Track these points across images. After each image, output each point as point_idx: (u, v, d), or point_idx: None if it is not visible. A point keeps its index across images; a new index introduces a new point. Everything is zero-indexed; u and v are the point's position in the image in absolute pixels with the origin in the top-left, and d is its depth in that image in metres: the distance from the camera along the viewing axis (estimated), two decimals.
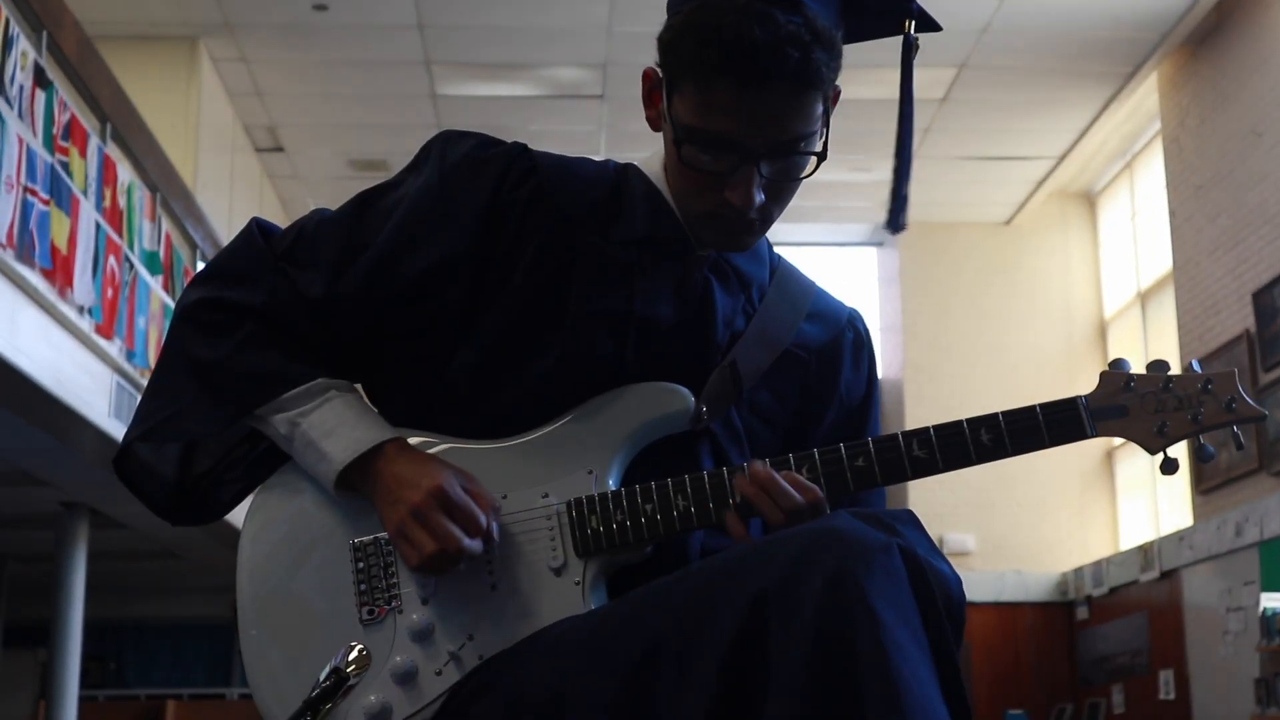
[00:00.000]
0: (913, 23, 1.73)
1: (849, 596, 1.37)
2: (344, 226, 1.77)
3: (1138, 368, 1.68)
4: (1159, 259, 11.43)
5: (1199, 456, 1.67)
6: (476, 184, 1.74)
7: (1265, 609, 8.55)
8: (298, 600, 1.71)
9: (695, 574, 1.51)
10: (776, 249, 1.88)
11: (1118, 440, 1.70)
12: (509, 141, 1.79)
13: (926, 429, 1.66)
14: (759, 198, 1.64)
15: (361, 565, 1.69)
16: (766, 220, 1.70)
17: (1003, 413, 1.66)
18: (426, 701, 1.63)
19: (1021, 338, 12.84)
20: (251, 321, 1.73)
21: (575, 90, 10.61)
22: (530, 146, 1.79)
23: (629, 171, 1.79)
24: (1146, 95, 10.91)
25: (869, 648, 1.34)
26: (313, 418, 1.70)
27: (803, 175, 1.67)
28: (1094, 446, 12.21)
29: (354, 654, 1.63)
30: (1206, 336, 9.75)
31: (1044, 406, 1.65)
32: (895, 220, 1.74)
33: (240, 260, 1.78)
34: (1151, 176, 11.61)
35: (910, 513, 1.53)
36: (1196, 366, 1.68)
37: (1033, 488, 12.42)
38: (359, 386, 1.81)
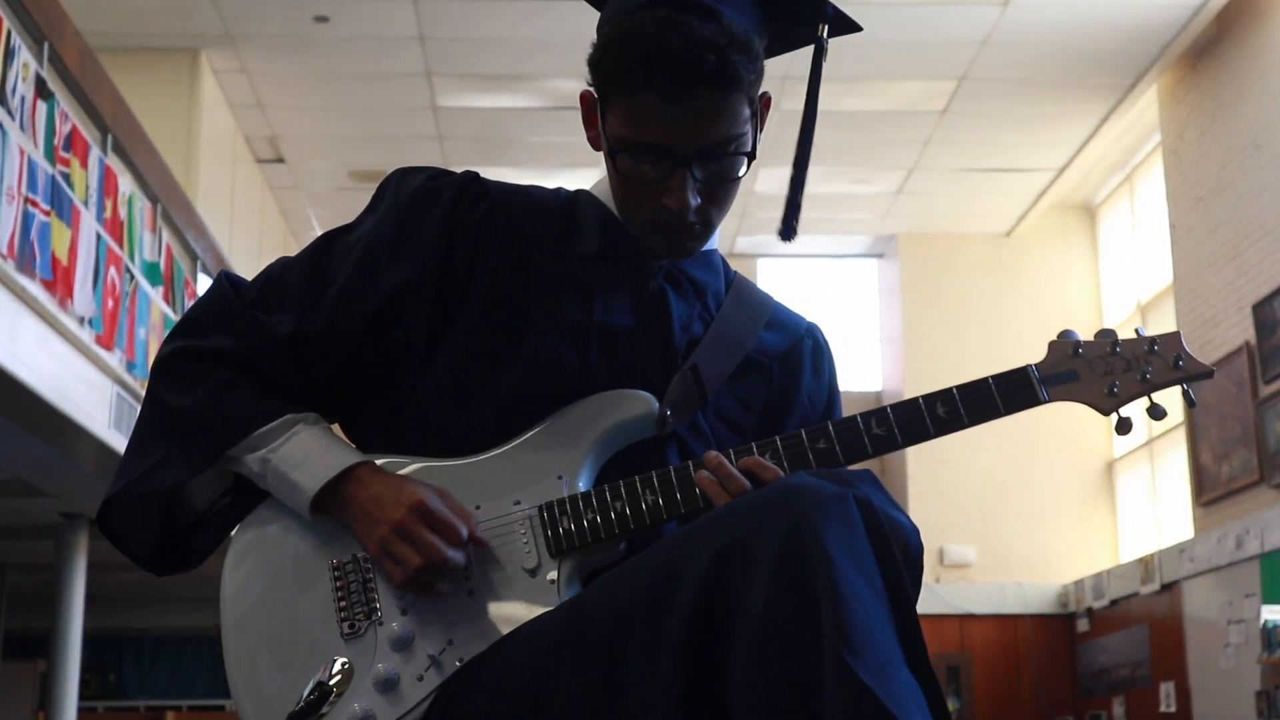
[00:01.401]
0: (827, 26, 1.78)
1: (806, 543, 1.42)
2: (308, 267, 1.83)
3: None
4: (1159, 271, 11.44)
5: (1151, 414, 1.72)
6: (430, 213, 1.80)
7: (1266, 621, 8.55)
8: (280, 622, 1.74)
9: (658, 546, 1.57)
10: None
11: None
12: (460, 171, 1.85)
13: (884, 408, 1.71)
14: (694, 200, 1.70)
15: (340, 583, 1.72)
16: (707, 224, 1.76)
17: (956, 386, 1.72)
18: (409, 707, 1.66)
19: (1021, 349, 12.76)
20: (223, 367, 1.78)
21: (575, 102, 10.58)
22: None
23: (579, 196, 1.86)
24: (1146, 107, 10.93)
25: (826, 590, 1.40)
26: (282, 452, 1.74)
27: (735, 176, 1.72)
28: (1094, 459, 12.21)
29: (337, 668, 1.67)
30: (1207, 348, 9.76)
31: (995, 377, 1.73)
32: (788, 227, 1.80)
33: (210, 311, 1.83)
34: (1151, 188, 11.62)
35: (869, 472, 1.59)
36: (1142, 331, 1.74)
37: (1033, 500, 12.41)
38: (335, 422, 1.85)
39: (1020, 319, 12.94)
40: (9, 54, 5.24)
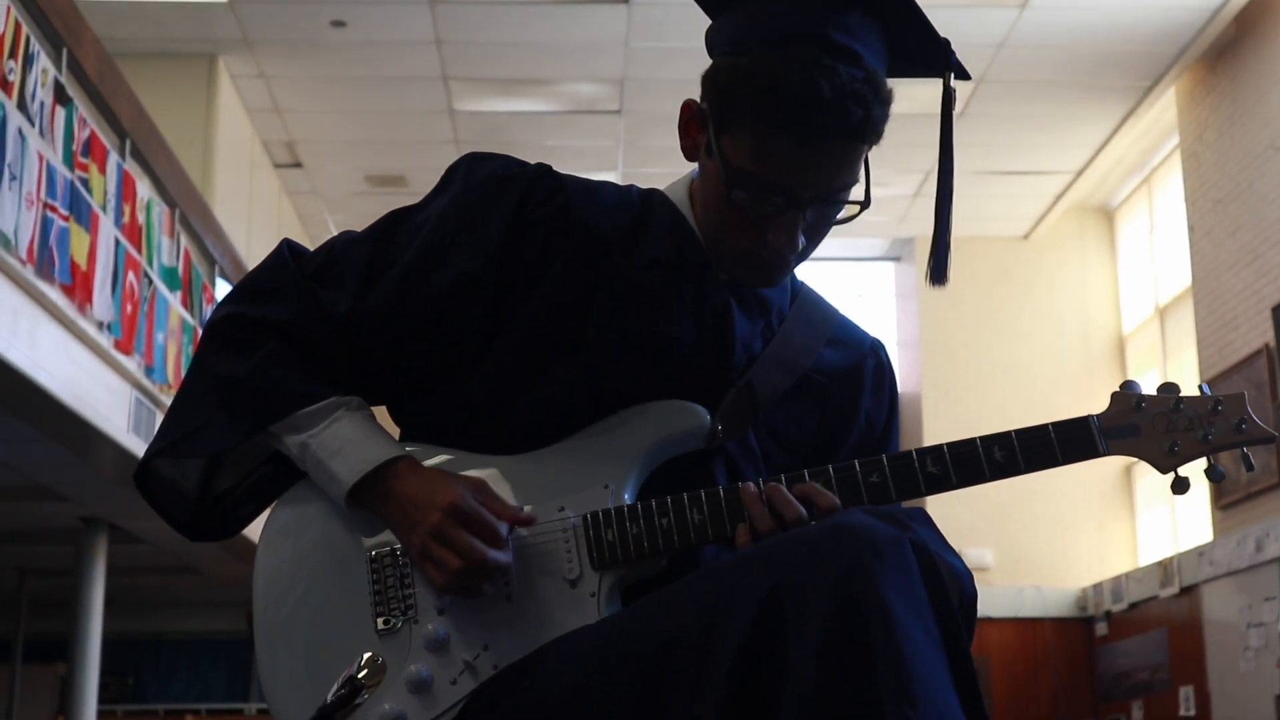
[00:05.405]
0: (951, 73, 1.78)
1: (862, 589, 1.40)
2: (370, 245, 1.80)
3: (1155, 383, 1.70)
4: (1177, 273, 11.40)
5: (1210, 476, 1.69)
6: (500, 202, 1.77)
7: None
8: (314, 610, 1.72)
9: (708, 574, 1.54)
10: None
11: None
12: (533, 163, 1.82)
13: (940, 446, 1.67)
14: (800, 241, 1.69)
15: (377, 576, 1.71)
16: (800, 259, 1.74)
17: (1016, 431, 1.67)
18: (441, 710, 1.65)
19: (1039, 352, 12.81)
20: (274, 339, 1.75)
21: (593, 105, 10.62)
22: (554, 168, 1.83)
23: (654, 197, 1.83)
24: (1165, 109, 10.89)
25: (882, 639, 1.37)
26: (322, 438, 1.72)
27: (843, 220, 1.71)
28: (1112, 461, 12.15)
29: (369, 663, 1.66)
30: (1226, 351, 9.72)
31: (1056, 425, 1.68)
32: (939, 272, 1.76)
33: (269, 279, 1.81)
34: (1170, 191, 11.58)
35: (923, 510, 1.58)
36: (1206, 389, 1.71)
37: (1052, 503, 12.37)
38: (383, 406, 1.83)
39: (1038, 322, 12.91)
40: (28, 60, 5.26)
